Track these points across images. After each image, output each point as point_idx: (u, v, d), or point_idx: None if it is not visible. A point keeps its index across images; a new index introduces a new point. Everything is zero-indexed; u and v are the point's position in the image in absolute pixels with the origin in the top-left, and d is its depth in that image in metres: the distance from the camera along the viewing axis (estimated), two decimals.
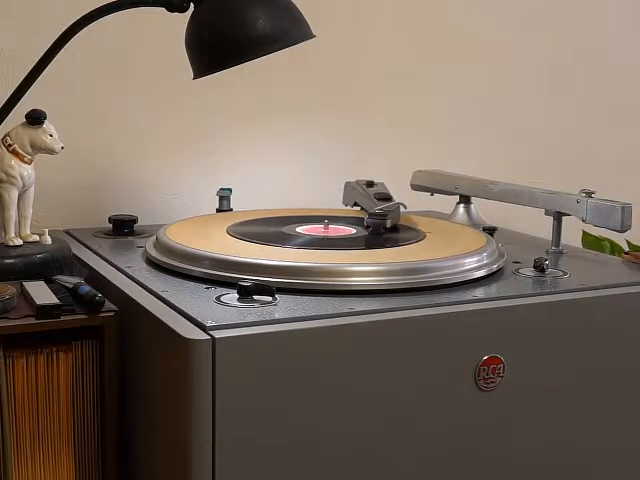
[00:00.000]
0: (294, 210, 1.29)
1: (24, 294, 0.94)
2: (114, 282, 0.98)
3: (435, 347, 0.89)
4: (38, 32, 1.17)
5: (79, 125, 1.33)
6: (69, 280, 0.96)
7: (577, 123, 1.78)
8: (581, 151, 1.78)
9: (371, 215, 1.15)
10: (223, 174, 1.43)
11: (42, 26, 1.22)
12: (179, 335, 0.80)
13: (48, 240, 1.09)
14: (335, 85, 1.53)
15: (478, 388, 0.92)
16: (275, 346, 0.82)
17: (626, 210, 1.12)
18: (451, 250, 1.04)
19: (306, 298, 0.90)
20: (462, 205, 1.37)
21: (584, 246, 1.53)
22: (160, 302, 0.90)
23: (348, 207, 1.38)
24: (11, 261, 1.02)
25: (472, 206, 1.37)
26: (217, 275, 0.95)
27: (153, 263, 1.04)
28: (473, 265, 1.01)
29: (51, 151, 1.07)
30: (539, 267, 1.04)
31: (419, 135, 1.61)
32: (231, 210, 1.33)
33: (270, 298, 0.89)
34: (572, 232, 1.35)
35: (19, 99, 1.02)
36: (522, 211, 1.29)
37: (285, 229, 1.14)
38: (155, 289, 0.93)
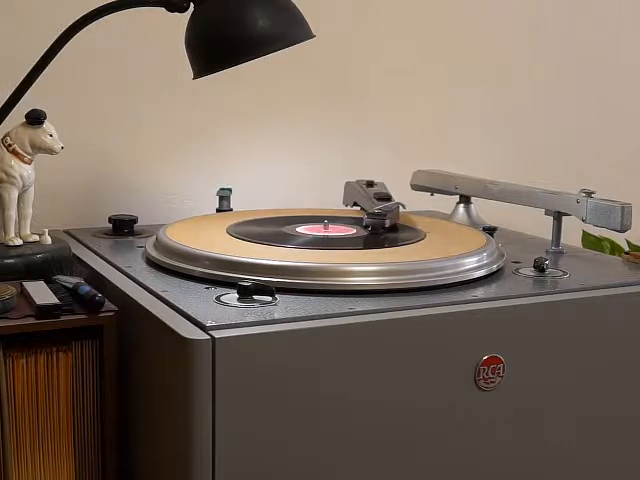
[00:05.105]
0: (294, 210, 1.29)
1: (24, 294, 0.94)
2: (114, 282, 0.98)
3: (435, 347, 0.89)
4: (38, 32, 1.17)
5: (79, 125, 1.33)
6: (69, 280, 0.96)
7: (577, 123, 1.78)
8: (581, 151, 1.78)
9: (370, 215, 1.15)
10: (223, 174, 1.43)
11: (42, 26, 1.22)
12: (179, 335, 0.80)
13: (48, 240, 1.09)
14: (335, 85, 1.53)
15: (478, 388, 0.92)
16: (275, 346, 0.82)
17: (626, 210, 1.12)
18: (451, 250, 1.03)
19: (306, 298, 0.90)
20: (462, 205, 1.37)
21: (584, 246, 1.53)
22: (160, 302, 0.90)
23: (348, 207, 1.38)
24: (11, 261, 1.02)
25: (472, 206, 1.37)
26: (217, 275, 0.95)
27: (153, 263, 1.04)
28: (473, 265, 1.01)
29: (51, 151, 1.07)
30: (539, 267, 1.04)
31: (419, 135, 1.61)
32: (231, 210, 1.33)
33: (270, 298, 0.89)
34: (572, 232, 1.35)
35: (19, 99, 1.02)
36: (522, 211, 1.29)
37: (285, 229, 1.14)
38: (155, 289, 0.93)
